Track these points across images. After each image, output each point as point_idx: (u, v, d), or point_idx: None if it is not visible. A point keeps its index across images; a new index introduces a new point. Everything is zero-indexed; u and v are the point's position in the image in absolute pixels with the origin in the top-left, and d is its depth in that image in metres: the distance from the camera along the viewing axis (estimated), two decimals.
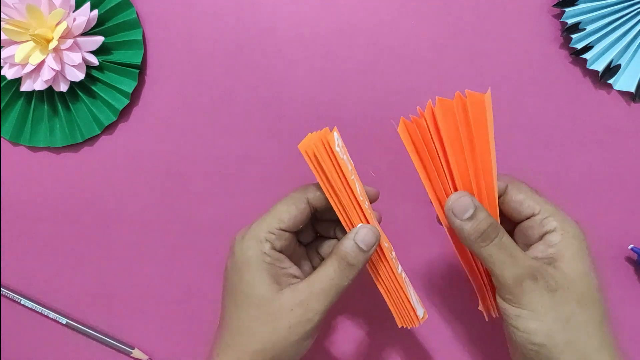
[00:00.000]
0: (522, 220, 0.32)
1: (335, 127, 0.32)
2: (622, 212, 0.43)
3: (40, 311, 0.45)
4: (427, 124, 0.30)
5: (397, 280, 0.33)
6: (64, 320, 0.45)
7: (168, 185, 0.44)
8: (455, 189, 0.31)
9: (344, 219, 0.32)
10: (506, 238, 0.30)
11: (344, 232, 0.33)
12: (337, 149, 0.30)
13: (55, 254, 0.45)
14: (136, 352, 0.44)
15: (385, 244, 0.32)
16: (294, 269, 0.33)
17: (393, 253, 0.33)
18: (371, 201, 0.33)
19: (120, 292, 0.45)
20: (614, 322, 0.42)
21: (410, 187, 0.43)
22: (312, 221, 0.35)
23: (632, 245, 0.42)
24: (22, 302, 0.45)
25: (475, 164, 0.30)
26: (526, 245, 0.32)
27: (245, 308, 0.31)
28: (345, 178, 0.31)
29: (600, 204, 0.43)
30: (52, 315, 0.45)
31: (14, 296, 0.45)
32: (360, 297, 0.43)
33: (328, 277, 0.31)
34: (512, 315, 0.30)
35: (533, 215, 0.31)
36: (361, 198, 0.31)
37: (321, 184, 0.31)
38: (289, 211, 0.32)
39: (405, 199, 0.43)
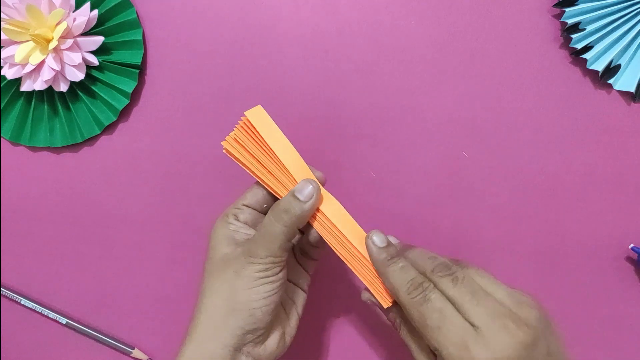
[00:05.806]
0: None
1: (261, 105, 0.36)
2: (622, 212, 0.43)
3: (40, 311, 0.45)
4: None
5: (367, 264, 0.33)
6: (64, 320, 0.45)
7: (168, 185, 0.44)
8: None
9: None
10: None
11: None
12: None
13: (55, 254, 0.45)
14: (136, 352, 0.44)
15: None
16: None
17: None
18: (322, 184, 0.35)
19: (120, 292, 0.45)
20: (613, 322, 0.43)
21: (410, 187, 0.43)
22: None
23: (632, 245, 0.42)
24: (22, 302, 0.45)
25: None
26: None
27: (210, 272, 0.33)
28: (260, 162, 0.34)
29: (600, 203, 0.43)
30: (52, 315, 0.45)
31: (14, 296, 0.45)
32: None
33: (265, 225, 0.32)
34: None
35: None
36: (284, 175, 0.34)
37: (255, 177, 0.35)
38: (252, 192, 0.35)
39: (405, 199, 0.43)
